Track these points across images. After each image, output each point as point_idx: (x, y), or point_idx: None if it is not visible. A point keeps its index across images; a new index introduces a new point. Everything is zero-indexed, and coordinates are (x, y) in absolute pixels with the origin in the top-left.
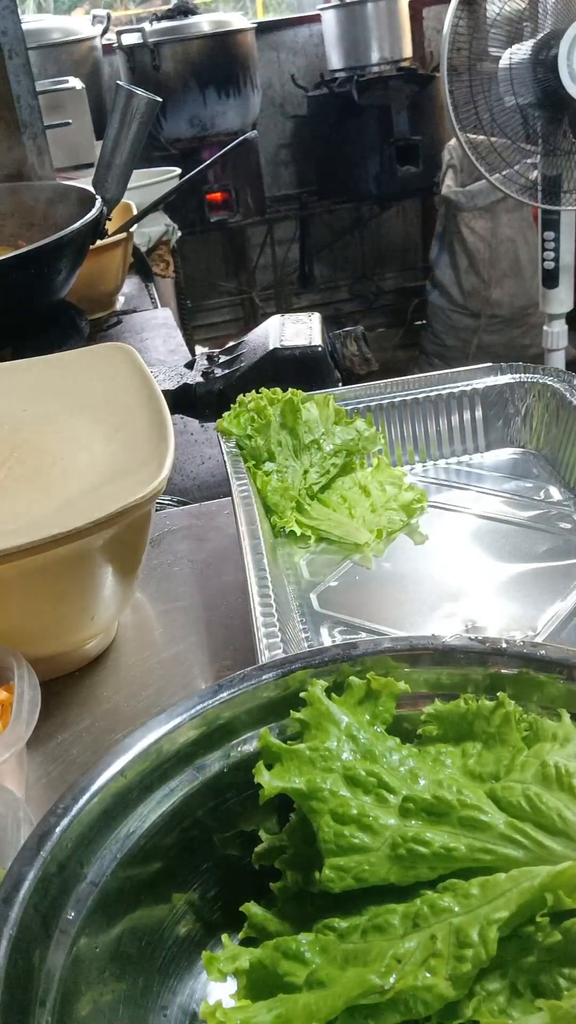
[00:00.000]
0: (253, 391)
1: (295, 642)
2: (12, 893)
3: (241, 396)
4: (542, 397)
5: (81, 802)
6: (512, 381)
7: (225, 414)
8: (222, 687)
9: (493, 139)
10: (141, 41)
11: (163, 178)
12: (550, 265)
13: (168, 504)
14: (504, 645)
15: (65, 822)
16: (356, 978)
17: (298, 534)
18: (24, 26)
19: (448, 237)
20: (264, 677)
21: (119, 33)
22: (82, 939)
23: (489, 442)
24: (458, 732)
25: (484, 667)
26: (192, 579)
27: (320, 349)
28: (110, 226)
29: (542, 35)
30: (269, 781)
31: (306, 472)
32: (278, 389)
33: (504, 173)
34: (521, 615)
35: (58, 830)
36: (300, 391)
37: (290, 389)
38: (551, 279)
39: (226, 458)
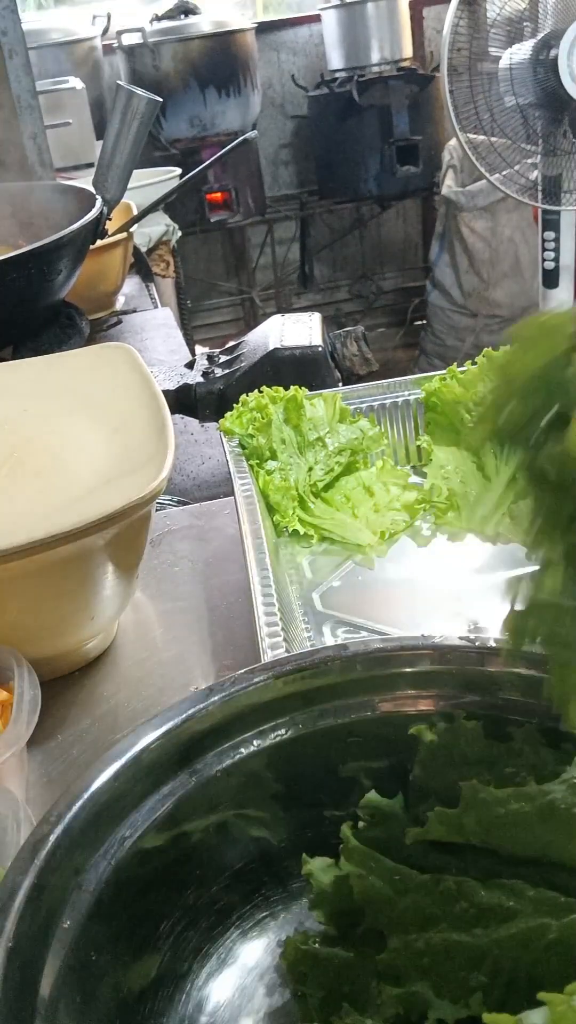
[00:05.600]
0: (255, 391)
1: (298, 642)
2: (7, 903)
3: (244, 396)
4: None
5: (74, 809)
6: None
7: (228, 414)
8: (213, 690)
9: (493, 139)
10: (141, 41)
11: (163, 178)
12: (550, 265)
13: (168, 504)
14: (495, 644)
15: (59, 830)
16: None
17: (301, 533)
18: (24, 26)
19: (448, 237)
20: (256, 679)
21: (119, 33)
22: (78, 948)
23: None
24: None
25: (477, 666)
26: (192, 579)
27: (320, 349)
28: (110, 226)
29: (542, 35)
30: None
31: (311, 469)
32: (280, 388)
33: (504, 173)
34: None
35: (52, 838)
36: (305, 388)
37: (292, 387)
38: (551, 279)
39: (228, 457)
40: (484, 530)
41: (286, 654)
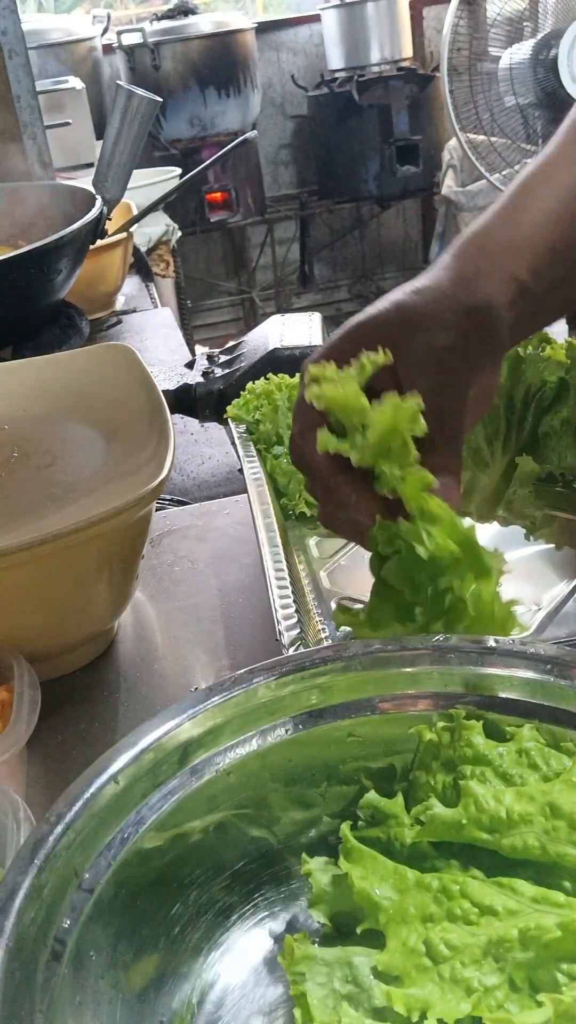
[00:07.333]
0: (261, 379)
1: (310, 616)
2: (7, 903)
3: (250, 384)
4: None
5: (74, 809)
6: None
7: (234, 401)
8: (213, 690)
9: (493, 139)
10: (141, 41)
11: (163, 178)
12: None
13: (168, 504)
14: (493, 644)
15: (59, 830)
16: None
17: (308, 515)
18: (24, 26)
19: (448, 237)
20: (256, 679)
21: (119, 33)
22: (78, 947)
23: None
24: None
25: (477, 666)
26: (192, 579)
27: None
28: (110, 226)
29: (542, 35)
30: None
31: None
32: (286, 375)
33: (504, 173)
34: (526, 593)
35: (51, 838)
36: None
37: (297, 374)
38: None
39: (237, 442)
40: (484, 513)
41: (297, 632)
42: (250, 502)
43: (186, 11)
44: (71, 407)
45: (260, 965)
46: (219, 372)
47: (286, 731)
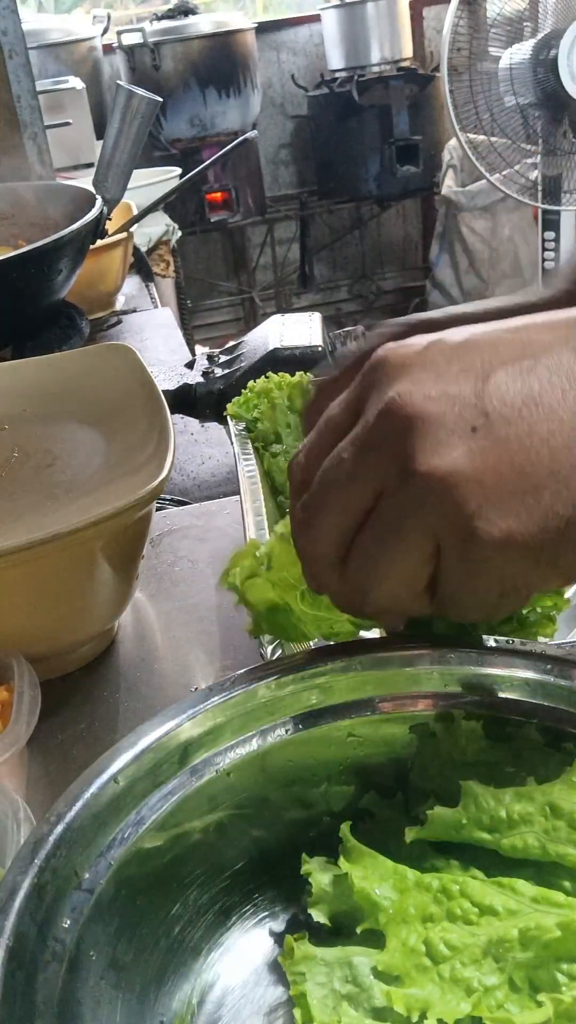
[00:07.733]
0: (261, 377)
1: None
2: (7, 903)
3: (251, 382)
4: None
5: (74, 809)
6: None
7: (235, 399)
8: (213, 690)
9: (493, 139)
10: (141, 41)
11: (163, 178)
12: (550, 265)
13: (168, 504)
14: (493, 644)
15: (59, 829)
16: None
17: None
18: (24, 26)
19: (448, 237)
20: (256, 679)
21: (119, 33)
22: (78, 947)
23: None
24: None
25: (477, 666)
26: (192, 579)
27: (320, 349)
28: (110, 226)
29: (542, 35)
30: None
31: None
32: (286, 374)
33: (504, 173)
34: None
35: (52, 838)
36: (310, 374)
37: (298, 373)
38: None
39: (234, 440)
40: None
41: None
42: (241, 499)
43: (186, 11)
44: (71, 407)
45: (260, 965)
46: (219, 372)
47: (286, 731)
